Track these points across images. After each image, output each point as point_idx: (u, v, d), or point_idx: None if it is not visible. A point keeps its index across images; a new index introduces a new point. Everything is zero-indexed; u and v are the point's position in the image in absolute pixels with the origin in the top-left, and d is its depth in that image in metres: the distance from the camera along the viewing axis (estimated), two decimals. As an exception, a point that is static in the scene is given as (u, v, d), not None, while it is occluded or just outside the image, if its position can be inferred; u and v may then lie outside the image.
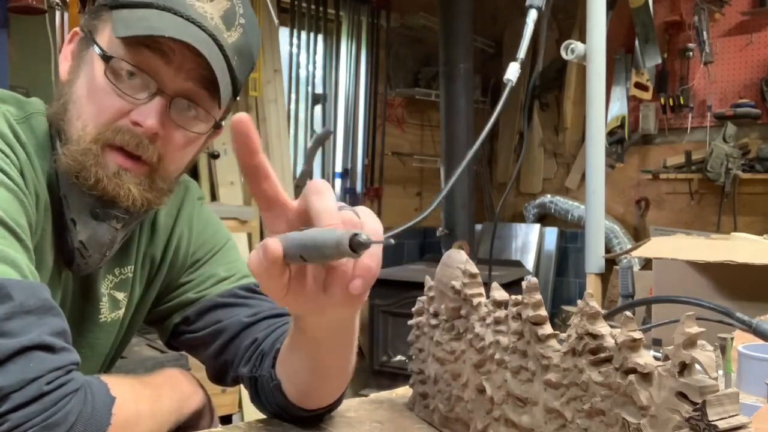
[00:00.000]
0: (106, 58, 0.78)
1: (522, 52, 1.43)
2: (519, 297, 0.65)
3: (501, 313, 0.69)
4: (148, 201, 0.81)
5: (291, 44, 4.01)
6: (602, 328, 0.55)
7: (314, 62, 4.14)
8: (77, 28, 0.86)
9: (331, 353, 0.74)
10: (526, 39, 1.45)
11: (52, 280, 0.82)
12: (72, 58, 0.84)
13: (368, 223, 0.58)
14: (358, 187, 4.46)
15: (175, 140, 0.82)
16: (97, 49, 0.79)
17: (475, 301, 0.73)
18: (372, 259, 0.56)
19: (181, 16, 0.77)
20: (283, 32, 3.91)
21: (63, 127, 0.80)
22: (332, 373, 0.77)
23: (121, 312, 0.94)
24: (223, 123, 0.88)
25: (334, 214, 0.55)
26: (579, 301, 0.57)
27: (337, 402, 0.84)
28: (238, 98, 0.92)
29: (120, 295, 0.94)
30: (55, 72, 2.32)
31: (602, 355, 0.55)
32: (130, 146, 0.78)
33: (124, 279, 0.94)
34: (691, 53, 4.13)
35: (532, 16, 1.48)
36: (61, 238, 0.82)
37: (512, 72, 1.43)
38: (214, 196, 3.37)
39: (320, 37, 4.19)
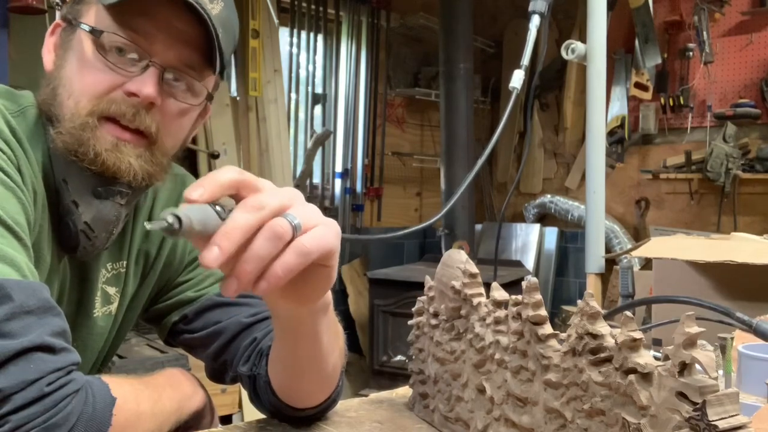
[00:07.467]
0: (96, 32, 0.78)
1: (526, 59, 1.44)
2: (519, 297, 0.66)
3: (501, 313, 0.69)
4: (149, 174, 0.81)
5: (291, 44, 4.00)
6: (602, 328, 0.55)
7: (314, 62, 4.13)
8: (58, 20, 0.86)
9: (301, 348, 0.75)
10: (530, 45, 1.45)
11: (50, 274, 0.82)
12: (55, 50, 0.84)
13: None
14: (358, 187, 4.45)
15: (170, 110, 0.82)
16: (85, 27, 0.79)
17: (475, 301, 0.73)
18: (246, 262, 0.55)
19: None
20: (283, 32, 3.90)
21: (54, 111, 0.80)
22: (307, 370, 0.78)
23: (113, 307, 0.94)
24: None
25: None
26: (579, 301, 0.57)
27: (325, 405, 0.83)
28: (223, 78, 0.91)
29: (112, 290, 0.93)
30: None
31: (602, 355, 0.55)
32: (127, 116, 0.78)
33: (116, 274, 0.93)
34: (691, 53, 4.12)
35: (535, 21, 1.48)
36: (60, 228, 0.82)
37: (517, 79, 1.43)
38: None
39: (320, 37, 4.18)
